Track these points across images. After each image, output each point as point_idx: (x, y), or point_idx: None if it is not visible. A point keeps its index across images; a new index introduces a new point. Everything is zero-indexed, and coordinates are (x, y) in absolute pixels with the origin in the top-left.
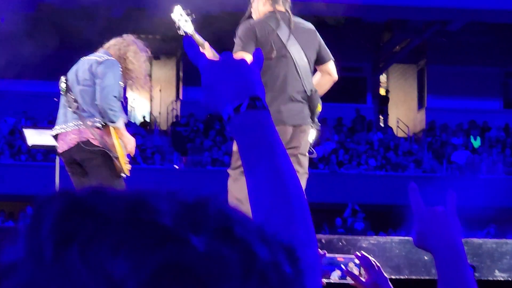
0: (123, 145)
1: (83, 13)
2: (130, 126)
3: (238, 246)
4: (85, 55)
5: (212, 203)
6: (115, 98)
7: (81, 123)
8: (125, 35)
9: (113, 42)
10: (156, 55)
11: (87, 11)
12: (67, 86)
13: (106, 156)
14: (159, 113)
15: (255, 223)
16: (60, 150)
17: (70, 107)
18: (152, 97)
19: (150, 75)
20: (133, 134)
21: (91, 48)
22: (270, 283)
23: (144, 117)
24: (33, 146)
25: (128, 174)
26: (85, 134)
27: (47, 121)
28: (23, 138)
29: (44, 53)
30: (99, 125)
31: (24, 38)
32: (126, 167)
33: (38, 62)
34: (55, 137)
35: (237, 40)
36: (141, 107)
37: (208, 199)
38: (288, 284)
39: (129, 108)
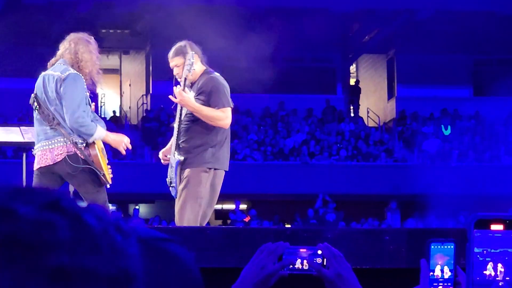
0: (105, 154)
1: (51, 9)
2: None
3: (67, 215)
4: (54, 51)
5: (40, 187)
6: (84, 113)
7: (66, 139)
8: (68, 36)
9: (62, 48)
10: (125, 49)
11: (55, 6)
12: (39, 103)
13: (90, 172)
14: (129, 107)
15: (83, 204)
16: (42, 164)
17: (49, 124)
18: (122, 92)
19: (119, 70)
20: None
21: (59, 44)
22: (101, 249)
23: (114, 112)
24: (0, 143)
25: (111, 182)
26: (71, 149)
27: (17, 118)
28: None
29: (13, 50)
30: (82, 142)
31: None
32: (109, 176)
33: (7, 59)
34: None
35: (221, 96)
36: (111, 102)
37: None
38: (120, 251)
39: (99, 103)
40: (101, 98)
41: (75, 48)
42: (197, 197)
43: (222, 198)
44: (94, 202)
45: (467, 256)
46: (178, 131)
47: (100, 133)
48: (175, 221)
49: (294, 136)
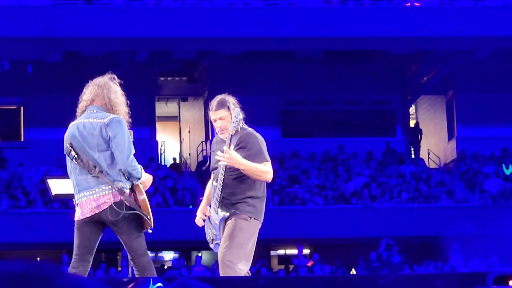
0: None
1: (108, 59)
2: (161, 169)
3: None
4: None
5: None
6: (133, 156)
7: (110, 187)
8: (92, 81)
9: (89, 93)
10: (183, 96)
11: (112, 56)
12: (77, 153)
13: (133, 218)
14: (189, 154)
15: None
16: (87, 214)
17: (90, 173)
18: (181, 139)
19: (178, 117)
20: (164, 177)
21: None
22: None
23: (174, 159)
24: (57, 195)
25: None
26: (117, 196)
27: None
28: (47, 188)
29: (72, 101)
30: (127, 190)
31: (53, 86)
32: (152, 220)
33: (67, 110)
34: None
35: (263, 151)
36: (171, 149)
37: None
38: None
39: (159, 151)
40: (161, 146)
41: (106, 93)
42: (242, 243)
43: (285, 243)
44: (136, 249)
45: None
46: (222, 186)
47: (144, 176)
48: (223, 268)
49: (355, 179)
